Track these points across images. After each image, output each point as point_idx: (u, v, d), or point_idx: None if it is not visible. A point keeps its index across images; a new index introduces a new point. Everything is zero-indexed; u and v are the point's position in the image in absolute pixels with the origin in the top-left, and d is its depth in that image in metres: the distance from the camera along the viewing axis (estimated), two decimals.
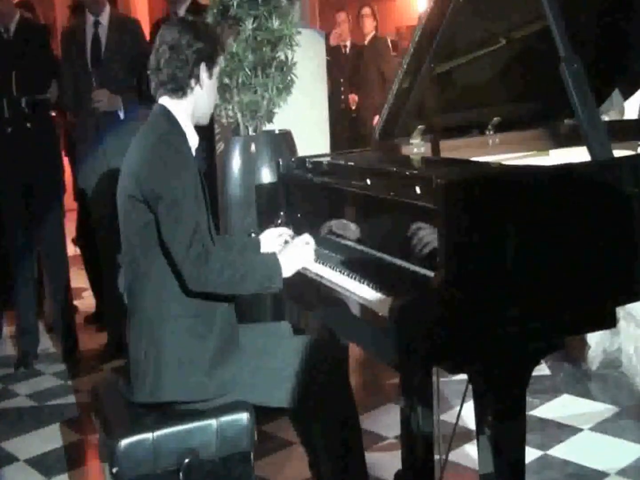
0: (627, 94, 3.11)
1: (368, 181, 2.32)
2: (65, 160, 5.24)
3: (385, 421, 3.52)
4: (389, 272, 2.15)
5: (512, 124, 2.88)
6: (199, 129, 2.49)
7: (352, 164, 2.64)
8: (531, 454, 3.11)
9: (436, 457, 2.71)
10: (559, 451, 3.21)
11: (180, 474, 2.26)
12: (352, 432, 2.45)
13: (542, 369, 4.00)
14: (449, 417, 3.34)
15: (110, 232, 4.62)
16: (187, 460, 2.26)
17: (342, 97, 7.00)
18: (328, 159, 2.78)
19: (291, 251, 2.41)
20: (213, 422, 2.29)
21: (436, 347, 1.87)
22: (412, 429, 2.66)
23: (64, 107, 4.85)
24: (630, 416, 3.51)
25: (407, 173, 2.25)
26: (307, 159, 2.77)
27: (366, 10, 7.12)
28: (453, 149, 2.73)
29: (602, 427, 3.41)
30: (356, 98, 6.95)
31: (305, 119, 4.28)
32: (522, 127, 2.91)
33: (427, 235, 1.97)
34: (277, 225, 2.81)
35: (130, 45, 4.56)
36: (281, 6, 3.65)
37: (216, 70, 2.46)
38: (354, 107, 6.93)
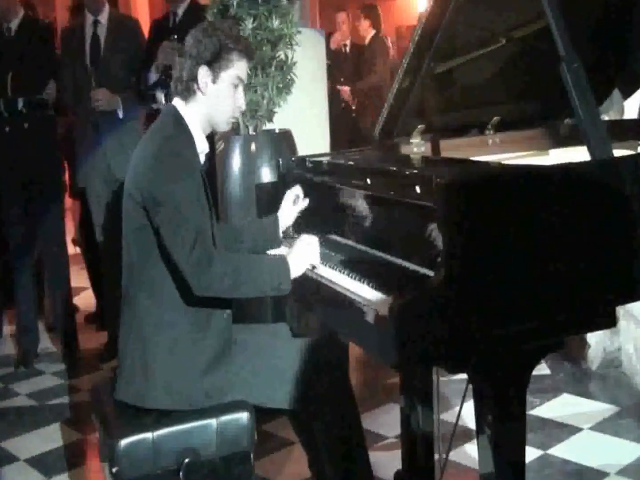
0: (626, 94, 3.11)
1: (368, 181, 2.32)
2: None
3: (386, 421, 3.52)
4: (389, 271, 2.15)
5: (512, 124, 2.88)
6: None
7: (352, 163, 2.64)
8: (531, 453, 3.11)
9: (436, 456, 2.71)
10: (559, 451, 3.21)
11: (180, 474, 2.26)
12: (355, 432, 2.45)
13: (542, 369, 4.00)
14: (449, 416, 3.35)
15: (110, 231, 4.66)
16: (187, 460, 2.26)
17: (342, 97, 7.00)
18: (328, 158, 2.77)
19: (298, 251, 2.35)
20: (213, 422, 2.29)
21: (436, 346, 1.87)
22: (412, 428, 2.66)
23: (65, 106, 4.84)
24: (630, 416, 3.51)
25: (407, 172, 2.25)
26: (307, 158, 2.77)
27: (359, 13, 7.14)
28: (453, 148, 2.73)
29: (602, 426, 3.41)
30: (347, 90, 6.94)
31: (305, 118, 4.27)
32: (522, 126, 2.91)
33: (427, 235, 1.97)
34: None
35: (129, 45, 4.56)
36: (281, 5, 3.64)
37: (226, 73, 2.34)
38: (345, 97, 6.92)
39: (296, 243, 2.39)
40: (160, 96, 4.26)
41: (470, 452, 3.12)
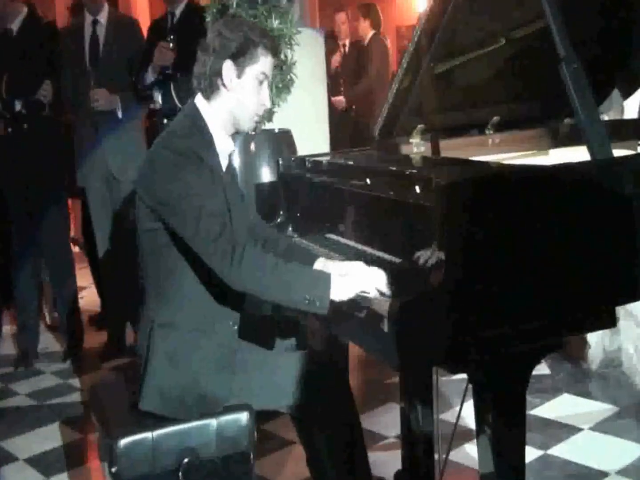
0: (626, 94, 3.11)
1: (368, 180, 2.31)
2: None
3: (386, 420, 3.52)
4: (389, 271, 2.14)
5: (512, 124, 2.88)
6: None
7: (352, 163, 2.64)
8: (531, 453, 3.10)
9: (436, 456, 2.71)
10: (559, 451, 3.21)
11: (180, 474, 2.25)
12: (354, 432, 2.45)
13: (542, 369, 4.00)
14: (449, 416, 3.35)
15: (109, 231, 4.66)
16: (186, 460, 2.25)
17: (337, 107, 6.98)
18: (328, 158, 2.78)
19: (350, 275, 2.12)
20: (213, 422, 2.28)
21: (436, 346, 1.87)
22: (412, 428, 2.66)
23: (63, 106, 4.83)
24: (630, 416, 3.51)
25: (407, 173, 2.24)
26: (306, 158, 2.77)
27: (357, 12, 7.12)
28: (453, 148, 2.72)
29: (602, 426, 3.41)
30: (342, 100, 6.91)
31: (305, 118, 4.27)
32: (522, 126, 2.91)
33: (426, 235, 1.96)
34: (278, 224, 2.79)
35: (128, 45, 4.56)
36: (280, 5, 3.64)
37: (251, 68, 2.26)
38: (340, 108, 6.90)
39: (354, 266, 2.18)
40: (158, 96, 4.26)
41: (470, 452, 3.12)
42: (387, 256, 2.22)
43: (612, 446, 3.24)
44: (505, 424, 2.00)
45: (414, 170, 2.33)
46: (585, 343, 4.03)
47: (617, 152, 2.20)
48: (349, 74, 7.05)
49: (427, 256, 1.97)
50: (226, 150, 2.36)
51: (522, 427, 2.02)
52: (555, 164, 2.26)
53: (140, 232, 2.31)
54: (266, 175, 3.66)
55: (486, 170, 2.22)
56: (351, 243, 2.44)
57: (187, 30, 4.12)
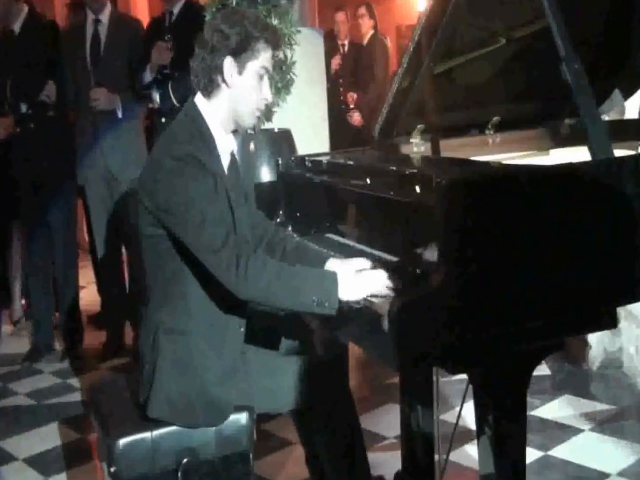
0: (627, 94, 3.10)
1: (367, 180, 2.31)
2: None
3: (386, 421, 3.51)
4: (389, 271, 2.14)
5: (512, 124, 2.88)
6: None
7: (352, 163, 2.63)
8: (532, 454, 3.10)
9: (436, 457, 2.70)
10: (559, 452, 3.21)
11: (179, 474, 2.25)
12: (354, 435, 2.44)
13: (542, 369, 3.99)
14: (449, 417, 3.34)
15: (108, 230, 4.65)
16: (185, 460, 2.25)
17: (342, 97, 6.97)
18: (327, 157, 2.77)
19: (357, 275, 2.11)
20: None
21: (436, 347, 1.86)
22: (412, 429, 2.65)
23: (66, 106, 4.83)
24: (631, 416, 3.50)
25: (407, 172, 2.24)
26: (306, 158, 2.76)
27: (362, 10, 7.08)
28: (453, 148, 2.72)
29: (603, 427, 3.40)
30: (355, 96, 6.91)
31: (305, 117, 4.27)
32: (522, 126, 2.91)
33: (426, 235, 1.96)
34: (277, 224, 2.78)
35: (129, 45, 4.54)
36: (280, 5, 3.65)
37: (252, 64, 2.22)
38: (352, 106, 6.89)
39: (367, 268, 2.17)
40: (156, 95, 4.25)
41: (470, 453, 3.11)
42: (387, 256, 2.21)
43: (612, 447, 3.23)
44: (506, 425, 1.99)
45: (414, 170, 2.32)
46: (585, 344, 4.02)
47: (618, 153, 2.19)
48: (348, 74, 7.04)
49: (427, 256, 1.96)
50: (228, 148, 2.34)
51: (522, 428, 2.01)
52: (555, 164, 2.26)
53: (142, 238, 2.28)
54: (266, 174, 3.66)
55: (487, 170, 2.22)
56: (351, 243, 2.44)
57: (185, 29, 4.10)
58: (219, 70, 2.21)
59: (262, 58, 2.24)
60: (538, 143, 2.85)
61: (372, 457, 2.54)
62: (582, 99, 2.10)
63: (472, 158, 2.52)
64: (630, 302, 2.19)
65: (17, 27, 4.55)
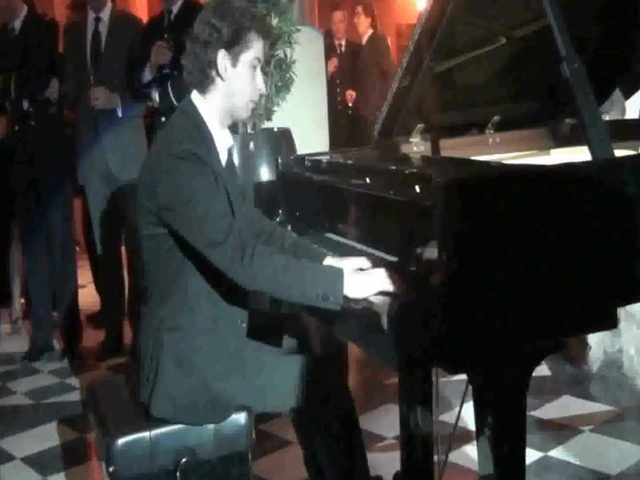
0: (628, 94, 3.10)
1: (367, 180, 2.30)
2: None
3: (385, 421, 3.51)
4: (390, 271, 2.13)
5: (513, 123, 2.87)
6: None
7: (351, 162, 2.63)
8: (531, 455, 3.09)
9: (435, 457, 2.69)
10: (559, 453, 3.20)
11: (178, 474, 2.24)
12: (353, 436, 2.43)
13: (542, 370, 3.99)
14: (448, 417, 3.33)
15: (108, 230, 4.65)
16: (184, 460, 2.24)
17: (339, 98, 6.96)
18: (327, 157, 2.76)
19: (364, 274, 2.10)
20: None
21: (435, 347, 1.85)
22: (411, 429, 2.64)
23: (67, 104, 4.84)
24: (631, 418, 3.50)
25: (407, 172, 2.23)
26: (306, 157, 2.76)
27: (359, 9, 7.08)
28: (453, 147, 2.71)
29: (603, 428, 3.40)
30: (354, 94, 6.90)
31: (304, 116, 4.26)
32: (523, 126, 2.90)
33: (426, 235, 1.95)
34: (277, 223, 2.77)
35: (130, 43, 4.53)
36: (280, 4, 3.64)
37: (245, 55, 2.22)
38: (351, 104, 6.88)
39: (372, 268, 2.15)
40: (155, 95, 4.24)
41: (469, 454, 3.10)
42: (386, 255, 2.20)
43: (612, 448, 3.23)
44: (505, 426, 1.98)
45: (414, 170, 2.32)
46: (586, 344, 4.01)
47: (619, 153, 2.19)
48: (347, 74, 7.02)
49: (426, 256, 1.96)
50: (225, 145, 2.34)
51: (522, 429, 2.00)
52: (556, 164, 2.25)
53: (143, 238, 2.28)
54: (265, 174, 3.65)
55: (486, 169, 2.21)
56: (350, 242, 2.43)
57: (185, 28, 4.09)
58: (213, 64, 2.21)
59: (255, 49, 2.24)
60: (538, 143, 2.84)
61: (371, 457, 2.53)
62: (583, 99, 2.09)
63: (472, 158, 2.51)
64: (630, 303, 2.18)
65: (17, 25, 4.56)
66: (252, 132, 3.77)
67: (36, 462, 3.48)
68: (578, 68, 2.09)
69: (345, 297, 2.05)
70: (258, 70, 2.28)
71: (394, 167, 2.33)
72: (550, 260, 1.94)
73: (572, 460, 3.13)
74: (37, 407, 4.10)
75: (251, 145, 3.66)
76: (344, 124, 6.81)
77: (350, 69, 7.04)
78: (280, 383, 2.31)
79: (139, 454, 2.22)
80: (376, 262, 2.17)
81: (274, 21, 3.59)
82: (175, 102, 4.09)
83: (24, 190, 4.66)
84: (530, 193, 1.96)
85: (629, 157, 2.27)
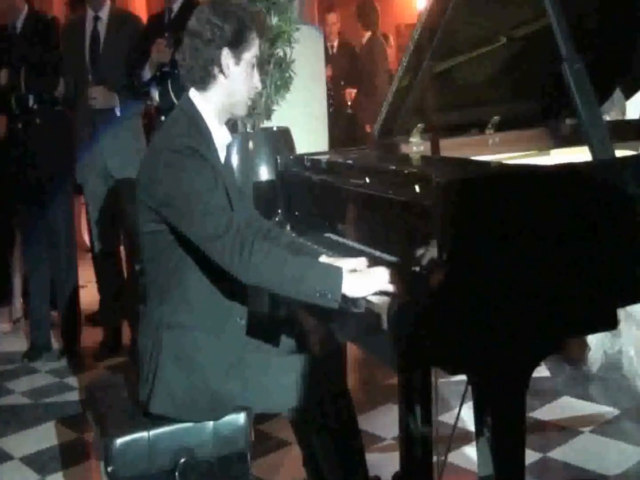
0: (628, 94, 3.09)
1: (367, 179, 2.30)
2: None
3: (384, 422, 3.50)
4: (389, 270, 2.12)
5: (513, 123, 2.86)
6: None
7: (351, 162, 2.62)
8: (531, 456, 3.08)
9: (434, 458, 2.69)
10: (559, 454, 3.19)
11: (176, 474, 2.24)
12: (352, 436, 2.43)
13: (542, 371, 3.99)
14: (447, 418, 3.32)
15: (107, 229, 4.65)
16: (182, 460, 2.24)
17: (333, 99, 6.94)
18: (327, 156, 2.76)
19: (363, 273, 2.10)
20: (209, 422, 2.27)
21: (435, 348, 1.85)
22: (410, 430, 2.64)
23: (68, 103, 4.83)
24: (630, 419, 3.49)
25: (406, 172, 2.22)
26: (305, 157, 2.75)
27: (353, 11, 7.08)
28: (453, 147, 2.71)
29: (603, 429, 3.39)
30: (353, 93, 6.88)
31: (304, 116, 4.26)
32: (523, 126, 2.89)
33: (426, 235, 1.94)
34: (276, 223, 2.77)
35: (129, 42, 4.53)
36: (280, 3, 3.63)
37: (247, 54, 2.25)
38: (349, 103, 6.86)
39: (371, 267, 2.14)
40: (155, 93, 4.24)
41: (469, 455, 3.10)
42: (386, 256, 2.20)
43: (612, 449, 3.23)
44: (505, 426, 1.98)
45: (414, 169, 2.31)
46: (585, 345, 4.01)
47: (619, 153, 2.18)
48: (345, 75, 7.00)
49: (426, 256, 1.95)
50: (224, 142, 2.35)
51: (521, 430, 2.00)
52: (556, 164, 2.24)
53: (142, 235, 2.28)
54: (265, 173, 3.65)
55: (486, 169, 2.21)
56: (350, 242, 2.42)
57: (185, 27, 4.08)
58: (216, 62, 2.23)
59: (255, 47, 2.28)
60: (539, 143, 2.84)
61: (370, 458, 2.53)
62: (583, 99, 2.09)
63: (472, 158, 2.51)
64: (630, 303, 2.17)
65: (18, 24, 4.57)
66: (252, 131, 3.76)
67: (34, 461, 3.47)
68: (579, 68, 2.09)
69: (344, 296, 2.04)
70: (255, 68, 2.31)
71: (393, 167, 2.32)
72: (550, 260, 1.94)
73: (571, 461, 3.13)
74: (36, 407, 4.09)
75: (250, 144, 3.65)
76: (342, 124, 6.80)
77: (347, 70, 7.01)
78: (279, 383, 2.31)
79: (138, 453, 2.22)
80: (375, 262, 2.17)
81: (274, 20, 3.59)
82: (175, 101, 4.08)
83: (25, 189, 4.65)
84: (530, 193, 1.95)
85: (629, 157, 2.27)
